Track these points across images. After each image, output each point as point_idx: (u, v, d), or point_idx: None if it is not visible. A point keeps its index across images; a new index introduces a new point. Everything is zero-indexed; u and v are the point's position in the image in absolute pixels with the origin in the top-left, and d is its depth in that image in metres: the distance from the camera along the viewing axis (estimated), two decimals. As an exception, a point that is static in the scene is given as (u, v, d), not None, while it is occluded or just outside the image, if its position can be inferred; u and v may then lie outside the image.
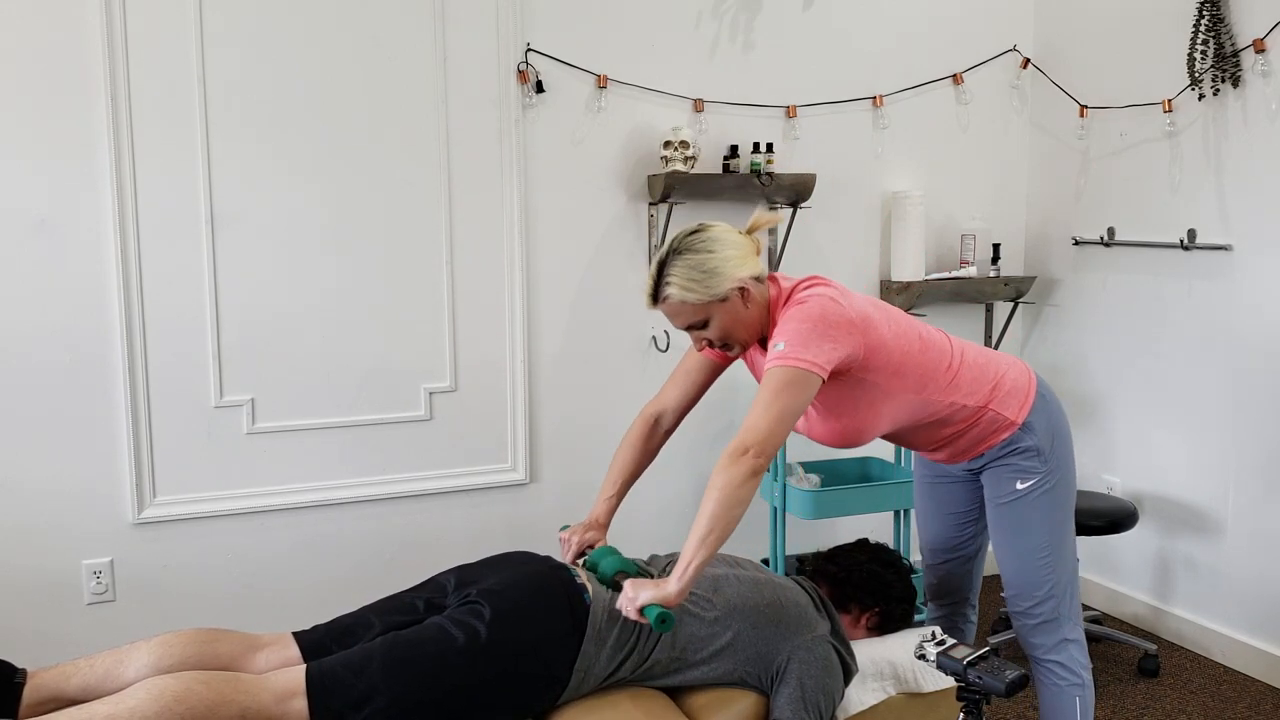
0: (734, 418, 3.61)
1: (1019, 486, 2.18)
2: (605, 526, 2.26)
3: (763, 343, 2.13)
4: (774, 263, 3.60)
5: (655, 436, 2.32)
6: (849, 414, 2.07)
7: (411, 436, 3.25)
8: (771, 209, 3.56)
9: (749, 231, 2.08)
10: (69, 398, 2.87)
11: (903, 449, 3.49)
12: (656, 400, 2.32)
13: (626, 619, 2.01)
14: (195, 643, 1.98)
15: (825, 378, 1.92)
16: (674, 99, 3.43)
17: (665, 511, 3.53)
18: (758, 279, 2.04)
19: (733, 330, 2.04)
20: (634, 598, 1.89)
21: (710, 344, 2.08)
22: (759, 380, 2.23)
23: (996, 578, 3.61)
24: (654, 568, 2.20)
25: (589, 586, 2.07)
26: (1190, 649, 3.46)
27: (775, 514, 3.36)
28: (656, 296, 2.03)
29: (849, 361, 1.97)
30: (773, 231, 3.61)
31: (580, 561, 2.21)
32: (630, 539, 3.38)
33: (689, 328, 2.05)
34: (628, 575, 2.07)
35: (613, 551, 2.14)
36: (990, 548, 2.34)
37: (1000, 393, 2.15)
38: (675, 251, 2.01)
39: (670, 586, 1.87)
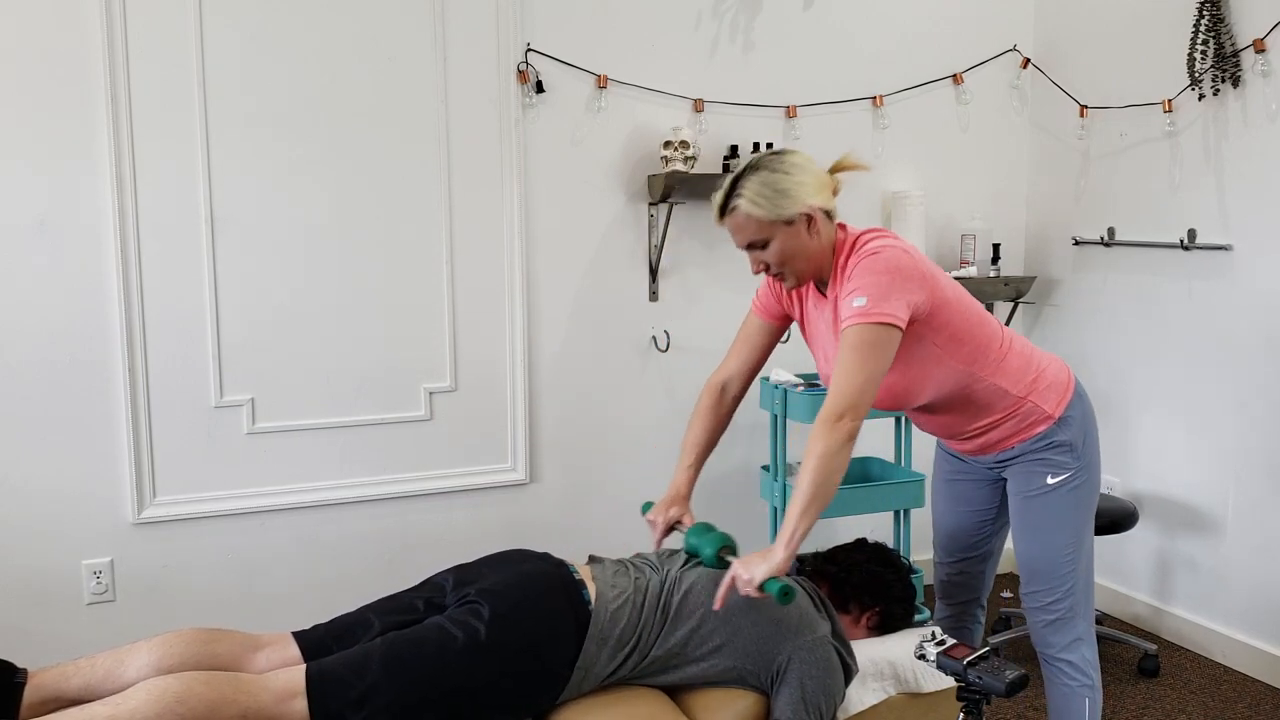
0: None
1: (1050, 481, 2.17)
2: (687, 498, 2.26)
3: (820, 286, 2.12)
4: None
5: (724, 404, 2.31)
6: (900, 370, 2.05)
7: (411, 436, 3.25)
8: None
9: (833, 170, 2.09)
10: (69, 398, 2.87)
11: (902, 448, 3.49)
12: (721, 369, 2.32)
13: (629, 619, 2.02)
14: (195, 642, 1.98)
15: (904, 330, 1.93)
16: (674, 99, 3.43)
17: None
18: (828, 214, 2.04)
19: (792, 258, 2.03)
20: (750, 578, 1.88)
21: (767, 269, 2.07)
22: (805, 334, 2.23)
23: (997, 578, 3.61)
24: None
25: (589, 584, 2.07)
26: (1190, 649, 3.46)
27: (775, 514, 3.36)
28: (725, 207, 2.02)
29: (915, 314, 1.97)
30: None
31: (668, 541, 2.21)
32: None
33: (749, 246, 2.04)
34: (732, 551, 2.06)
35: (707, 529, 2.12)
36: (1011, 544, 2.32)
37: (1041, 385, 2.15)
38: (753, 167, 2.02)
39: (778, 555, 1.87)
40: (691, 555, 2.18)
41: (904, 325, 1.93)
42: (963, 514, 2.40)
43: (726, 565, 2.03)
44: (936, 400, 2.15)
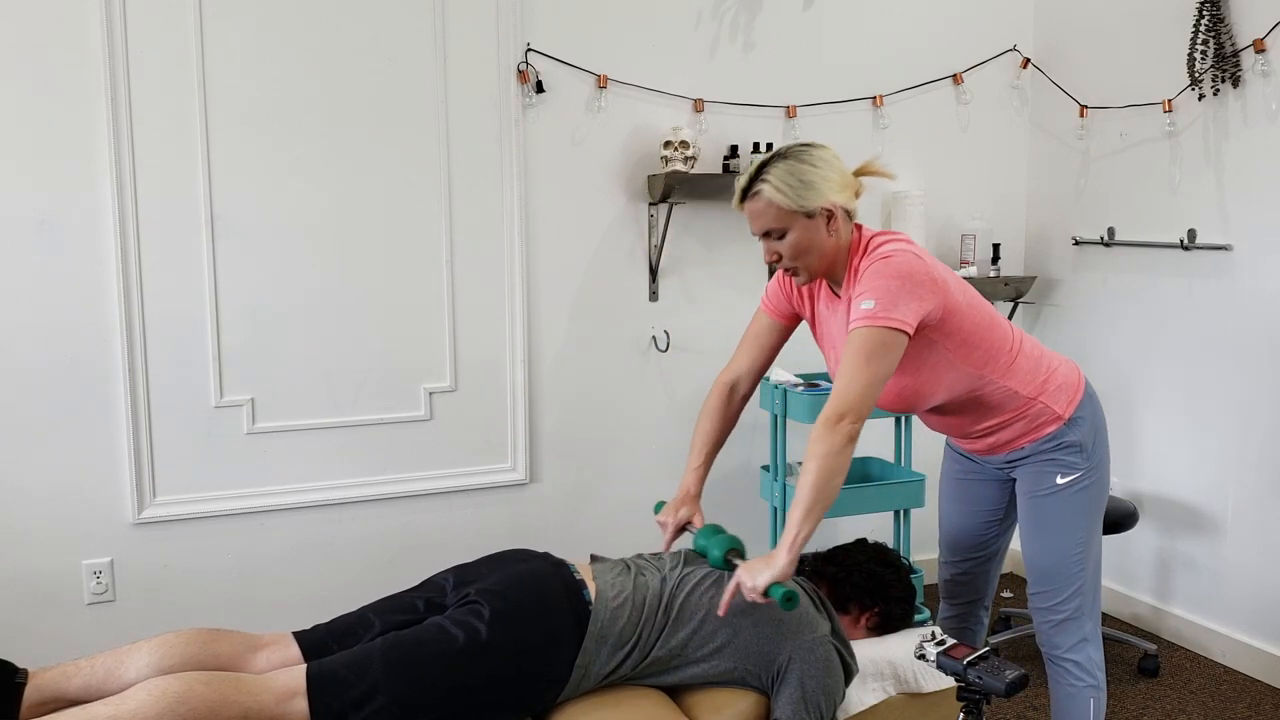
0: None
1: (1059, 481, 2.17)
2: (697, 498, 2.26)
3: (833, 287, 2.12)
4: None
5: (733, 403, 2.31)
6: (911, 374, 2.06)
7: (411, 436, 3.25)
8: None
9: (858, 173, 2.09)
10: (69, 398, 2.87)
11: (902, 448, 3.49)
12: (729, 368, 2.32)
13: (630, 617, 2.02)
14: (196, 643, 1.98)
15: (911, 335, 1.93)
16: (674, 99, 3.43)
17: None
18: (848, 213, 2.04)
19: (807, 251, 2.02)
20: (754, 585, 1.88)
21: (779, 260, 2.06)
22: (816, 334, 2.23)
23: (1000, 579, 3.61)
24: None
25: (589, 584, 2.07)
26: (1190, 649, 3.46)
27: (776, 514, 3.36)
28: (748, 191, 2.02)
29: (926, 320, 1.97)
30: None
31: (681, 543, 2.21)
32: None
33: (766, 234, 2.04)
34: (740, 554, 2.06)
35: (717, 530, 2.13)
36: (1018, 544, 2.32)
37: (1052, 385, 2.15)
38: (781, 155, 2.01)
39: (781, 560, 1.88)
40: (694, 556, 2.19)
41: (911, 331, 1.93)
42: (970, 514, 2.39)
43: (733, 568, 2.04)
44: (947, 402, 2.15)
